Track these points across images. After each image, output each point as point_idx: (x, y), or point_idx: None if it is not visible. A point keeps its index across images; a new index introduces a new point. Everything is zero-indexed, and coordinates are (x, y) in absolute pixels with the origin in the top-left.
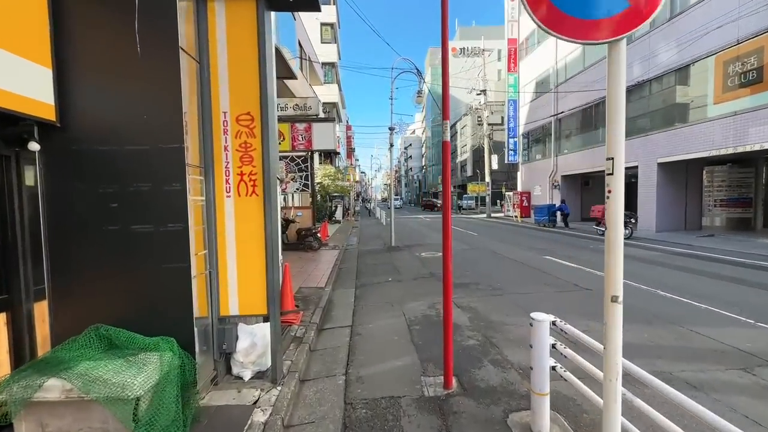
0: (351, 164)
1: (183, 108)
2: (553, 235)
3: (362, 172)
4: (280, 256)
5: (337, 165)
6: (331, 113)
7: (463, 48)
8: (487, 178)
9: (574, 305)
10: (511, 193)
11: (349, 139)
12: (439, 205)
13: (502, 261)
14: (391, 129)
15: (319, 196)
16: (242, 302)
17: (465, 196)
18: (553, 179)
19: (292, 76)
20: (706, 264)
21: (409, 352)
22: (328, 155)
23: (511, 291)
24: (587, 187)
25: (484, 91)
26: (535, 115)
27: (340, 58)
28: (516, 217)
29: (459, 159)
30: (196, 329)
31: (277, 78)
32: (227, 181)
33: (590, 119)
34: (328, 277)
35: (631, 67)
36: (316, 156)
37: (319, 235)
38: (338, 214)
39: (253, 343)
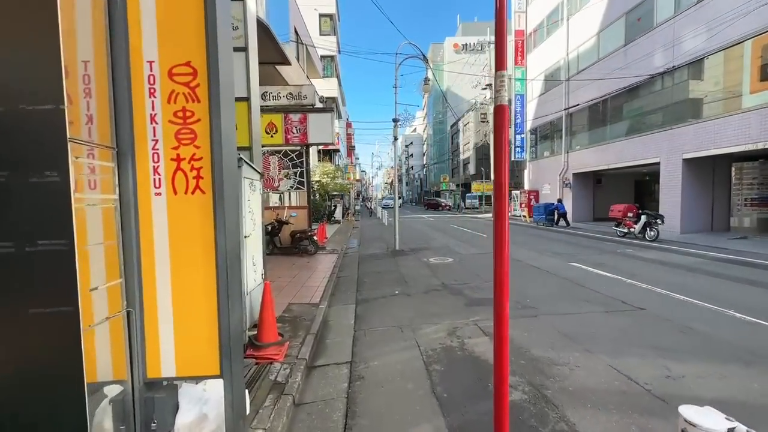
0: (351, 162)
1: (78, 55)
2: (568, 236)
3: (363, 171)
4: (261, 273)
5: (337, 163)
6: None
7: (466, 44)
8: (493, 176)
9: (638, 334)
10: (518, 192)
11: (349, 137)
12: (443, 204)
13: (525, 269)
14: (396, 121)
15: (317, 195)
16: (181, 357)
17: (468, 195)
18: (563, 177)
19: (285, 61)
20: (759, 273)
21: (432, 413)
22: (328, 153)
23: (546, 310)
24: (599, 185)
25: (490, 85)
26: (543, 110)
27: (339, 52)
28: (524, 216)
29: (462, 157)
30: (90, 404)
31: (269, 63)
32: (156, 169)
33: (604, 113)
34: (324, 289)
35: (652, 56)
36: (313, 151)
37: (315, 238)
38: (338, 214)
39: (203, 415)
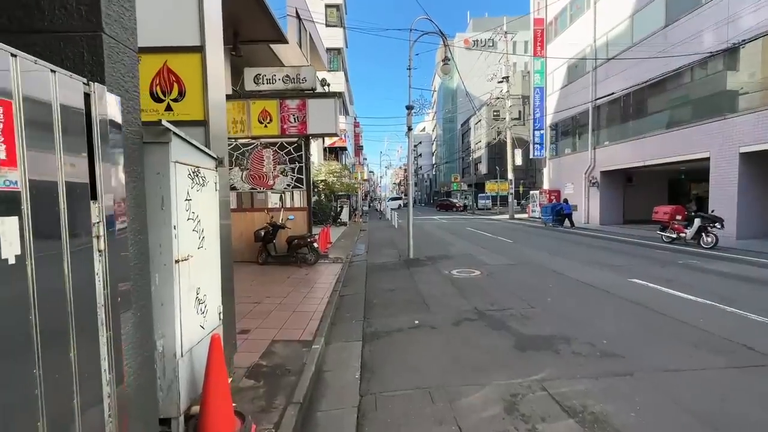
0: (359, 162)
1: None
2: (605, 242)
3: (370, 172)
4: (218, 312)
5: (344, 162)
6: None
7: (477, 40)
8: (510, 175)
9: None
10: (536, 192)
11: (357, 136)
12: (457, 205)
13: (577, 288)
14: (410, 108)
15: (323, 196)
16: None
17: (481, 195)
18: (589, 175)
19: (281, 39)
20: None
21: None
22: (334, 151)
23: (641, 362)
24: (630, 185)
25: (506, 78)
26: (566, 103)
27: (347, 46)
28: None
29: (473, 156)
30: None
31: (262, 41)
32: None
33: (639, 104)
34: (321, 316)
35: (700, 36)
36: (317, 148)
37: (316, 245)
38: (344, 216)
39: None
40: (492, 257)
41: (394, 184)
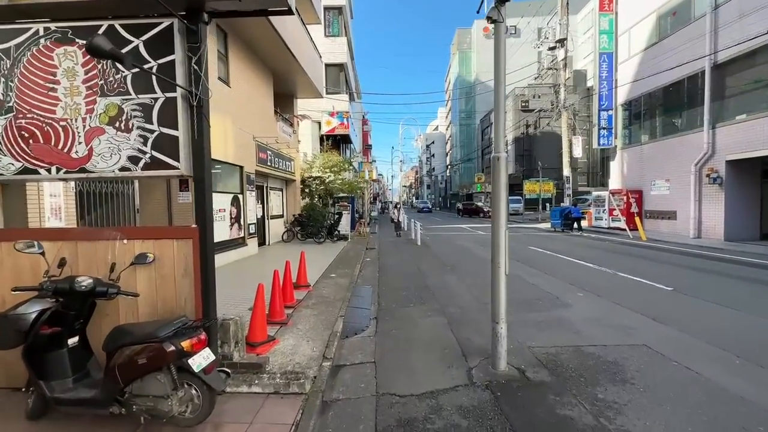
0: (367, 160)
1: None
2: (758, 271)
3: (380, 174)
4: None
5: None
6: (339, 83)
7: None
8: (566, 170)
9: None
10: (605, 194)
11: (365, 134)
12: (485, 210)
13: None
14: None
15: (316, 198)
16: None
17: (511, 198)
18: (704, 167)
19: None
20: None
21: None
22: (336, 142)
23: None
24: None
25: (562, 42)
26: (654, 68)
27: (352, 17)
28: (626, 229)
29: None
30: None
31: None
32: None
33: None
34: None
35: None
36: (308, 132)
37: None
38: (343, 226)
39: None
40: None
41: (404, 186)
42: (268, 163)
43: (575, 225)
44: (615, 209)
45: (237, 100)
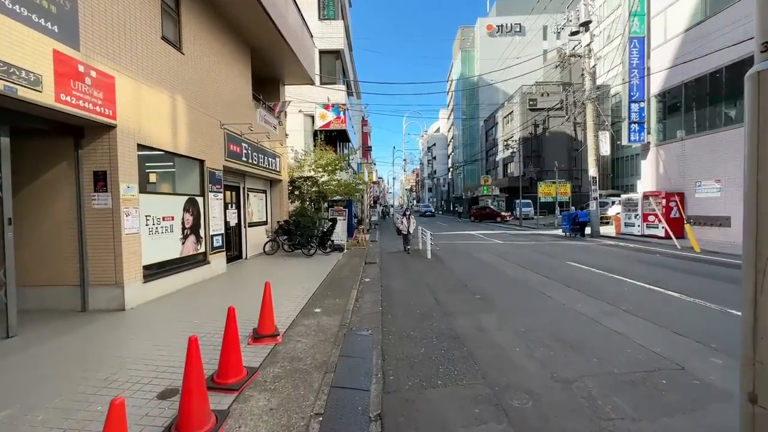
0: (367, 161)
1: None
2: None
3: (380, 177)
4: None
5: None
6: (336, 72)
7: (501, 25)
8: (593, 170)
9: None
10: (637, 196)
11: (365, 135)
12: (502, 214)
13: None
14: None
15: (307, 202)
16: None
17: (520, 201)
18: None
19: None
20: None
21: None
22: (332, 139)
23: None
24: None
25: (586, 25)
26: (696, 52)
27: (350, 4)
28: (674, 237)
29: (500, 156)
30: None
31: None
32: None
33: None
34: None
35: None
36: (297, 127)
37: None
38: (338, 235)
39: None
40: None
41: (406, 189)
42: (244, 158)
43: (581, 231)
44: (653, 214)
45: (195, 73)
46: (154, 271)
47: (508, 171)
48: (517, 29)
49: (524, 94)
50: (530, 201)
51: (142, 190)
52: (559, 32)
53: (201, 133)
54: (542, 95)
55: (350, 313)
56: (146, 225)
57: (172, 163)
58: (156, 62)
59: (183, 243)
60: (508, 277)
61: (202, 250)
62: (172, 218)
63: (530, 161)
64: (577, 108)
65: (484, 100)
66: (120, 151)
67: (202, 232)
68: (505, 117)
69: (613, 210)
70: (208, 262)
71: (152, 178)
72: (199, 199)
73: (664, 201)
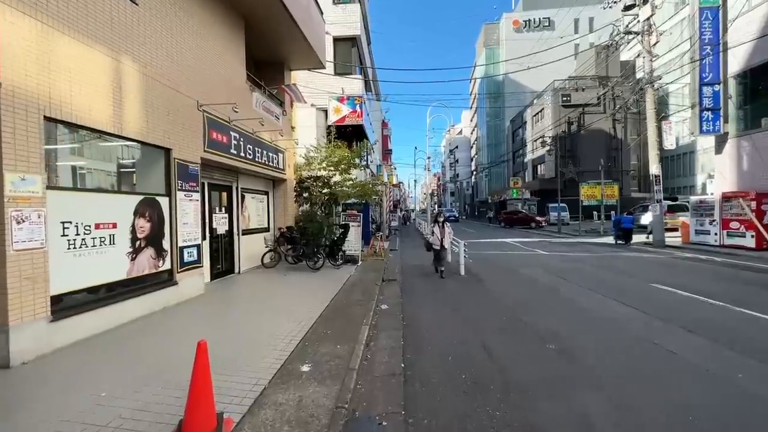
0: (388, 163)
1: None
2: None
3: (400, 181)
4: None
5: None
6: (352, 60)
7: (529, 20)
8: (655, 167)
9: None
10: (713, 198)
11: (385, 138)
12: (537, 219)
13: None
14: None
15: (317, 205)
16: None
17: (558, 205)
18: None
19: None
20: None
21: None
22: (347, 136)
23: None
24: None
25: None
26: None
27: None
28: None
29: (529, 157)
30: None
31: None
32: None
33: None
34: None
35: None
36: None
37: None
38: (351, 244)
39: None
40: None
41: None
42: (234, 151)
43: (625, 237)
44: (740, 219)
45: (157, 34)
46: (77, 302)
47: (539, 172)
48: (546, 23)
49: (556, 90)
50: (566, 205)
51: (56, 185)
52: (611, 6)
53: (166, 112)
54: (576, 90)
55: (355, 377)
56: (63, 236)
57: (116, 151)
58: (85, 5)
59: (133, 259)
60: (582, 309)
61: (166, 267)
62: (114, 225)
63: (566, 161)
64: (621, 101)
65: (511, 99)
66: (5, 124)
67: (165, 244)
68: (534, 115)
69: (647, 218)
70: (175, 283)
71: (78, 169)
72: (163, 200)
73: (753, 203)
